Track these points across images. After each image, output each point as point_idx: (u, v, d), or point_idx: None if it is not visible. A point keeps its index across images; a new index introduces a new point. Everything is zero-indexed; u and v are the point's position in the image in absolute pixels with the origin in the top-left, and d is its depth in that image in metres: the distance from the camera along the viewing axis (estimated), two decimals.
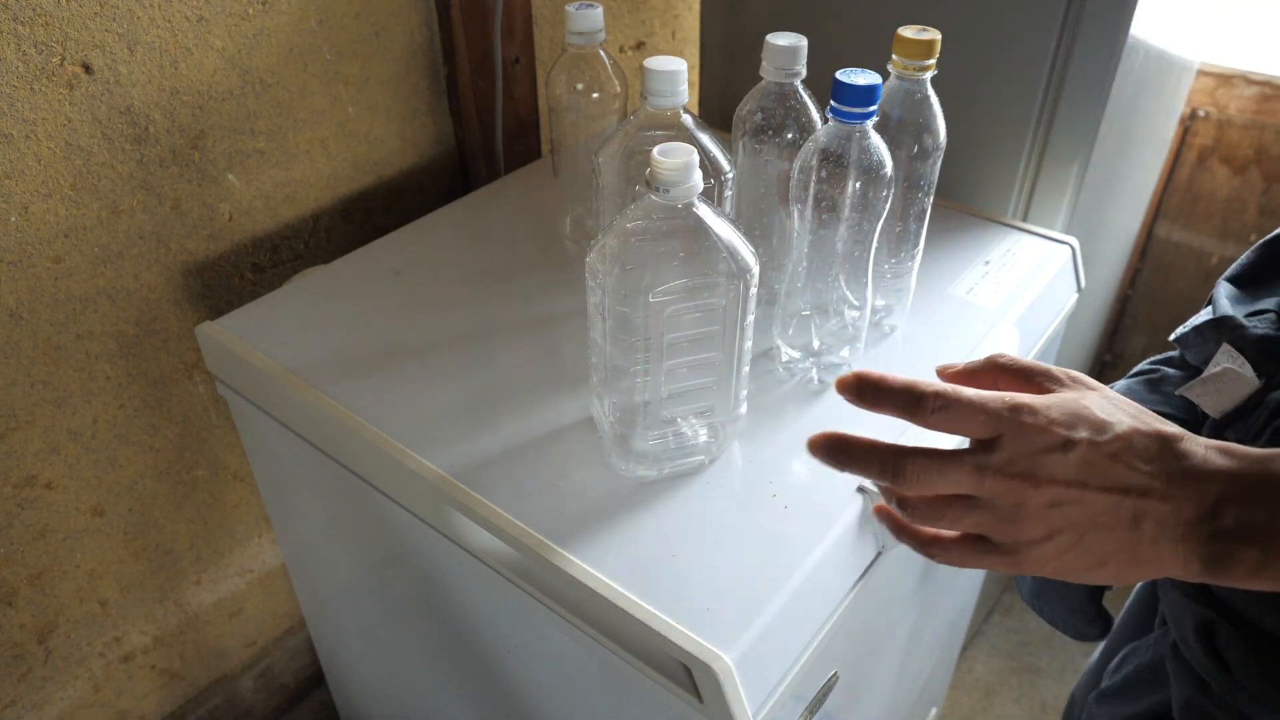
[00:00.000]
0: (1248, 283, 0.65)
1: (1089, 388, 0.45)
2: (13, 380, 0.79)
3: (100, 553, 0.92)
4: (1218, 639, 0.58)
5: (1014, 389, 0.46)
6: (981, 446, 0.43)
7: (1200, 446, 0.42)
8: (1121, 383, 0.73)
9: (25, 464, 0.83)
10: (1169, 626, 0.63)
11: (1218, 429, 0.61)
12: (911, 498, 0.46)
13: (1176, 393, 0.64)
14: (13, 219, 0.74)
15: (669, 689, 0.57)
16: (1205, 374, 0.61)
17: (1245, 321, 0.60)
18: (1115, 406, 0.44)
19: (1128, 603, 0.76)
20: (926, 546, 0.48)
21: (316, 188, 0.96)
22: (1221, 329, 0.61)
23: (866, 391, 0.45)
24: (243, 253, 0.92)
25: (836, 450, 0.46)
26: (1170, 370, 0.71)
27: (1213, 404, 0.60)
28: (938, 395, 0.43)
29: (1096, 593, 0.70)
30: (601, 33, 0.80)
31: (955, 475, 0.43)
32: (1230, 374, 0.59)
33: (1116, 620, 0.77)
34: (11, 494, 0.83)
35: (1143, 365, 0.74)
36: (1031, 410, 0.42)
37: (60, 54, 0.72)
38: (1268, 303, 0.61)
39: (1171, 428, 0.42)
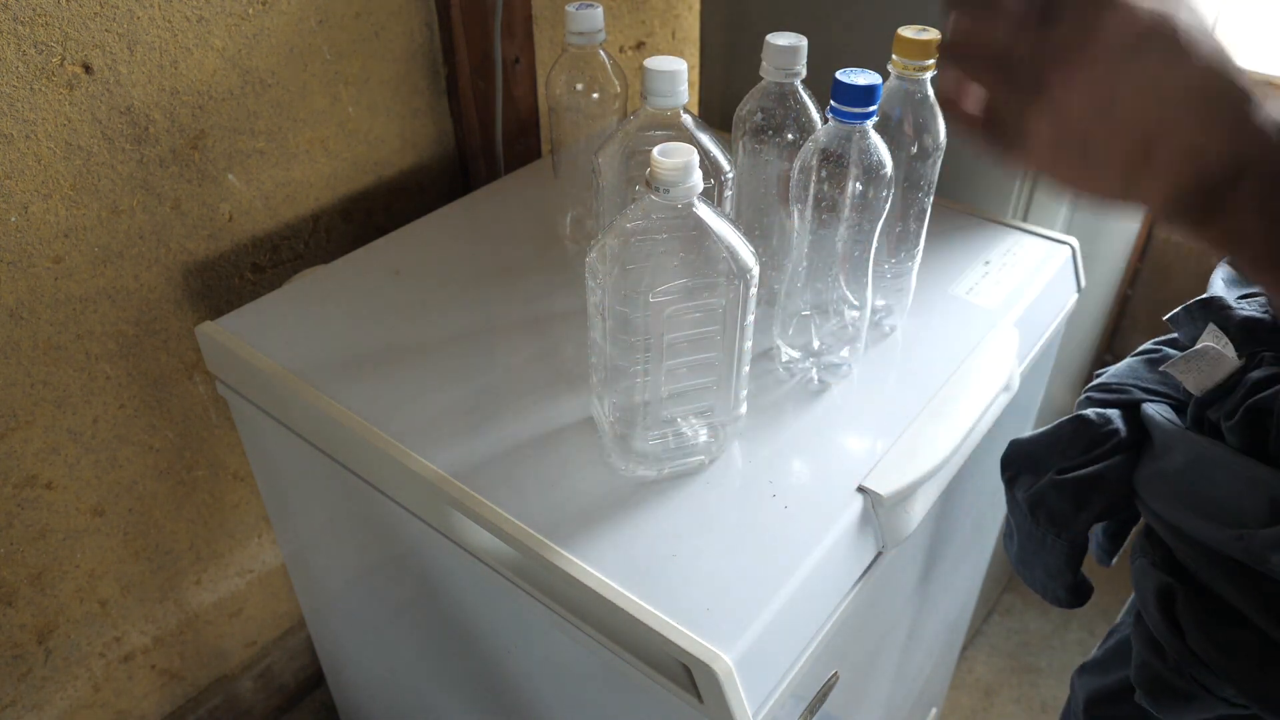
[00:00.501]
0: None
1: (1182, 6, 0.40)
2: (13, 380, 0.79)
3: (100, 553, 0.92)
4: (1176, 606, 0.60)
5: None
6: (1043, 10, 0.38)
7: (1265, 110, 0.37)
8: (1125, 361, 0.74)
9: (25, 464, 0.83)
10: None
11: (1200, 408, 0.61)
12: (956, 39, 0.43)
13: (1160, 369, 0.64)
14: (13, 219, 0.74)
15: (669, 689, 0.57)
16: (1188, 352, 0.61)
17: (1232, 303, 0.60)
18: (1206, 34, 0.37)
19: (1129, 600, 0.77)
20: (946, 103, 0.45)
21: (316, 188, 0.96)
22: (1209, 309, 0.61)
23: None
24: (243, 253, 0.92)
25: None
26: (1172, 351, 0.72)
27: (1194, 382, 0.60)
28: None
29: (1074, 560, 0.70)
30: (601, 33, 0.80)
31: (999, 14, 0.39)
32: (1212, 352, 0.59)
33: (1120, 616, 0.77)
34: (11, 494, 0.83)
35: (1146, 345, 0.74)
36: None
37: (60, 54, 0.72)
38: None
39: (1249, 86, 0.37)
